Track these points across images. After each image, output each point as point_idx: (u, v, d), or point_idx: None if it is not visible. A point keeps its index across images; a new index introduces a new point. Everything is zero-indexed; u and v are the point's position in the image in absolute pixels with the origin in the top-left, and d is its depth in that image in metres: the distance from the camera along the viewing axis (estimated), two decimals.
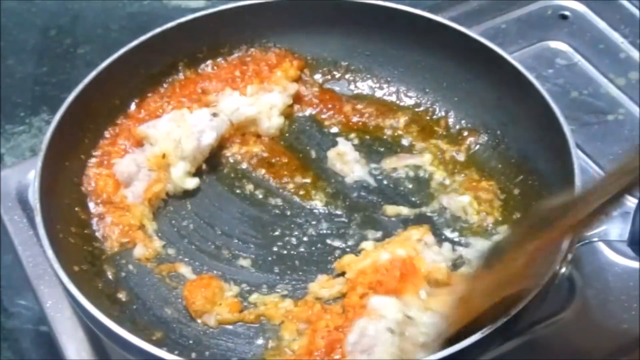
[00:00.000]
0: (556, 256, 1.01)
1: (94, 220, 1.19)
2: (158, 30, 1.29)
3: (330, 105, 1.36)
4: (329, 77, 1.39)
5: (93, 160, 1.24)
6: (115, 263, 1.16)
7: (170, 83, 1.33)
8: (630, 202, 1.27)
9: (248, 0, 1.33)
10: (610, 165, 1.33)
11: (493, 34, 1.51)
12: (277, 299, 1.13)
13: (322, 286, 1.13)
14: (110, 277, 1.15)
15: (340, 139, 1.31)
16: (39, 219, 1.08)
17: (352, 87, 1.39)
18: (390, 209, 1.23)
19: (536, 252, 0.95)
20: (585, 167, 1.33)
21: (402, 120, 1.33)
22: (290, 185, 1.26)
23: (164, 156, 1.21)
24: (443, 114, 1.34)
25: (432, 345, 1.01)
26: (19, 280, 1.28)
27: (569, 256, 1.04)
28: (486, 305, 0.99)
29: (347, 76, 1.39)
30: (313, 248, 1.19)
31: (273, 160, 1.29)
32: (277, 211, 1.23)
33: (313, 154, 1.31)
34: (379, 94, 1.38)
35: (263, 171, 1.28)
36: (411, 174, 1.27)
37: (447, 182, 1.26)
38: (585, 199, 0.92)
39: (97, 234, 1.18)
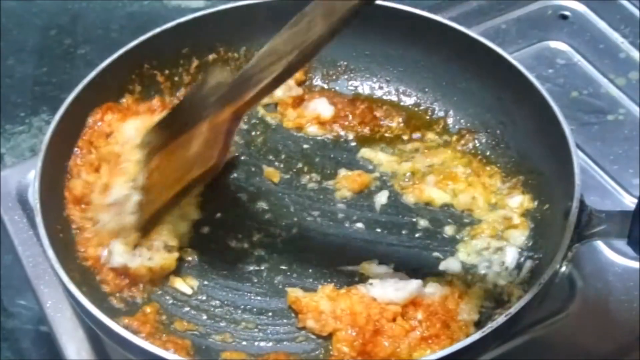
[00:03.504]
0: (226, 138, 1.08)
1: None
2: (158, 30, 1.29)
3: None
4: (329, 77, 1.39)
5: None
6: None
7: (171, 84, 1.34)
8: (630, 201, 1.28)
9: (248, 0, 1.33)
10: (610, 165, 1.34)
11: (493, 34, 1.51)
12: None
13: None
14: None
15: None
16: (39, 219, 1.08)
17: (351, 86, 1.39)
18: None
19: (206, 135, 1.05)
20: (585, 167, 1.33)
21: (402, 119, 1.33)
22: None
23: None
24: (443, 113, 1.34)
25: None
26: (19, 280, 1.28)
27: (569, 255, 1.04)
28: (173, 188, 1.08)
29: (346, 76, 1.39)
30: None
31: None
32: None
33: None
34: (378, 93, 1.38)
35: None
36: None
37: (447, 181, 1.26)
38: (246, 81, 1.01)
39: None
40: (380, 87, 1.38)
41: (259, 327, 1.10)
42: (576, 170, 1.10)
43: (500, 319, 0.98)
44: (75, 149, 1.21)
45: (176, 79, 1.33)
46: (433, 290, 1.10)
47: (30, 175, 1.30)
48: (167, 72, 1.33)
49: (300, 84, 1.37)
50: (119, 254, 1.12)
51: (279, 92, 1.34)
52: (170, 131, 1.14)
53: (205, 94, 1.10)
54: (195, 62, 1.34)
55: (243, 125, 1.32)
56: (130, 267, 1.11)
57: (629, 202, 1.28)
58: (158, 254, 1.13)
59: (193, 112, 1.10)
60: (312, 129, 1.33)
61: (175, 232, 1.17)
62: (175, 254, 1.15)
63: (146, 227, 1.13)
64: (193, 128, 1.09)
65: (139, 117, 1.26)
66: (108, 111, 1.25)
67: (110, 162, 1.21)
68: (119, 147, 1.21)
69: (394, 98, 1.37)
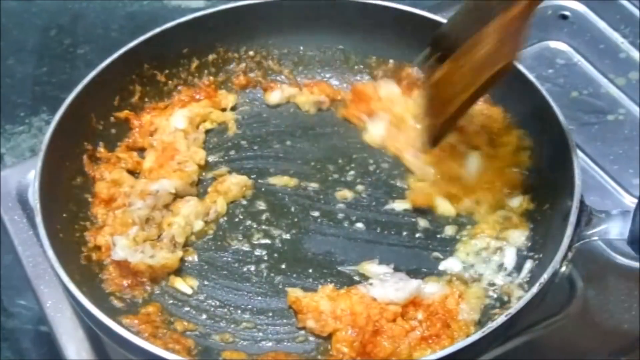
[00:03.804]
0: (519, 35, 1.08)
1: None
2: (158, 30, 1.29)
3: None
4: (329, 76, 1.39)
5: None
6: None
7: (172, 84, 1.34)
8: (630, 201, 1.28)
9: (248, 0, 1.33)
10: (610, 165, 1.34)
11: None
12: None
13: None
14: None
15: None
16: (39, 219, 1.08)
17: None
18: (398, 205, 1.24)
19: (498, 30, 1.04)
20: (585, 167, 1.33)
21: None
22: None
23: None
24: None
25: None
26: (19, 280, 1.28)
27: (569, 255, 1.04)
28: (467, 90, 1.10)
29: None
30: None
31: None
32: None
33: None
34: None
35: None
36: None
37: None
38: None
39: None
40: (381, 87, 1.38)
41: (259, 327, 1.11)
42: (576, 170, 1.10)
43: (500, 319, 0.98)
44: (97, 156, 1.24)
45: (176, 79, 1.34)
46: (433, 290, 1.10)
47: (30, 175, 1.30)
48: (167, 72, 1.33)
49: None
50: (121, 248, 1.12)
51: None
52: (450, 42, 1.11)
53: None
54: (195, 62, 1.35)
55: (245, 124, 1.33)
56: (130, 262, 1.11)
57: (629, 202, 1.29)
58: (161, 252, 1.14)
59: (475, 16, 1.08)
60: None
61: (186, 229, 1.18)
62: (179, 254, 1.15)
63: (437, 137, 1.19)
64: (478, 32, 1.07)
65: (185, 107, 1.30)
66: (152, 111, 1.30)
67: (158, 150, 1.24)
68: (167, 136, 1.26)
69: None
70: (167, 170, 1.22)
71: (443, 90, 1.12)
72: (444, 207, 1.21)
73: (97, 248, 1.15)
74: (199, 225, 1.19)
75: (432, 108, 1.16)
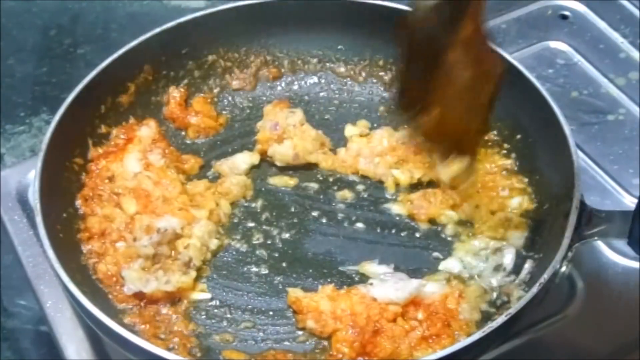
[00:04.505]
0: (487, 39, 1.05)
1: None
2: (158, 30, 1.29)
3: None
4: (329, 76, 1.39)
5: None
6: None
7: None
8: (630, 201, 1.28)
9: (248, 0, 1.33)
10: (610, 165, 1.34)
11: (493, 34, 1.50)
12: None
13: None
14: None
15: None
16: (39, 219, 1.08)
17: None
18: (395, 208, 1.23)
19: (467, 56, 1.00)
20: (585, 167, 1.32)
21: None
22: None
23: None
24: None
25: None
26: (19, 280, 1.28)
27: (569, 255, 1.04)
28: (463, 114, 1.05)
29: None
30: None
31: None
32: None
33: None
34: None
35: None
36: None
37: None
38: None
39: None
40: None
41: (259, 327, 1.11)
42: (576, 170, 1.10)
43: (500, 319, 0.98)
44: (77, 201, 1.18)
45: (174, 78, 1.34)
46: (433, 289, 1.10)
47: (30, 175, 1.30)
48: (165, 72, 1.33)
49: None
50: (132, 281, 1.09)
51: None
52: (419, 87, 1.04)
53: (428, 27, 1.01)
54: (195, 63, 1.34)
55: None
56: (146, 292, 1.09)
57: (629, 202, 1.29)
58: (174, 276, 1.11)
59: (430, 52, 1.02)
60: None
61: (203, 250, 1.16)
62: (193, 274, 1.13)
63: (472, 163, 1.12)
64: (442, 66, 1.02)
65: (133, 150, 1.22)
66: (100, 158, 1.22)
67: (132, 194, 1.17)
68: (130, 182, 1.18)
69: None
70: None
71: (441, 128, 1.06)
72: (447, 217, 1.21)
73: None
74: (214, 244, 1.18)
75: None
